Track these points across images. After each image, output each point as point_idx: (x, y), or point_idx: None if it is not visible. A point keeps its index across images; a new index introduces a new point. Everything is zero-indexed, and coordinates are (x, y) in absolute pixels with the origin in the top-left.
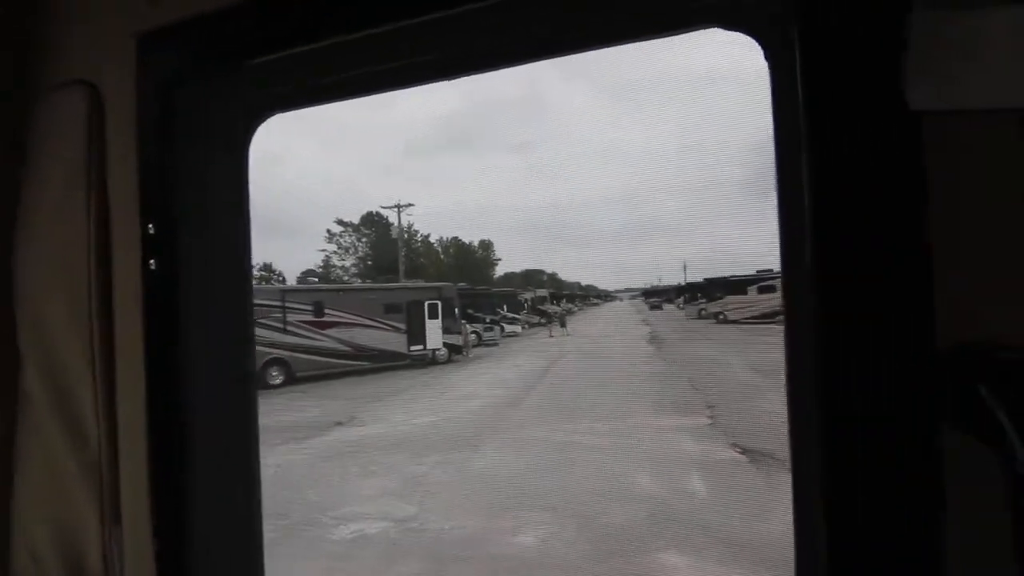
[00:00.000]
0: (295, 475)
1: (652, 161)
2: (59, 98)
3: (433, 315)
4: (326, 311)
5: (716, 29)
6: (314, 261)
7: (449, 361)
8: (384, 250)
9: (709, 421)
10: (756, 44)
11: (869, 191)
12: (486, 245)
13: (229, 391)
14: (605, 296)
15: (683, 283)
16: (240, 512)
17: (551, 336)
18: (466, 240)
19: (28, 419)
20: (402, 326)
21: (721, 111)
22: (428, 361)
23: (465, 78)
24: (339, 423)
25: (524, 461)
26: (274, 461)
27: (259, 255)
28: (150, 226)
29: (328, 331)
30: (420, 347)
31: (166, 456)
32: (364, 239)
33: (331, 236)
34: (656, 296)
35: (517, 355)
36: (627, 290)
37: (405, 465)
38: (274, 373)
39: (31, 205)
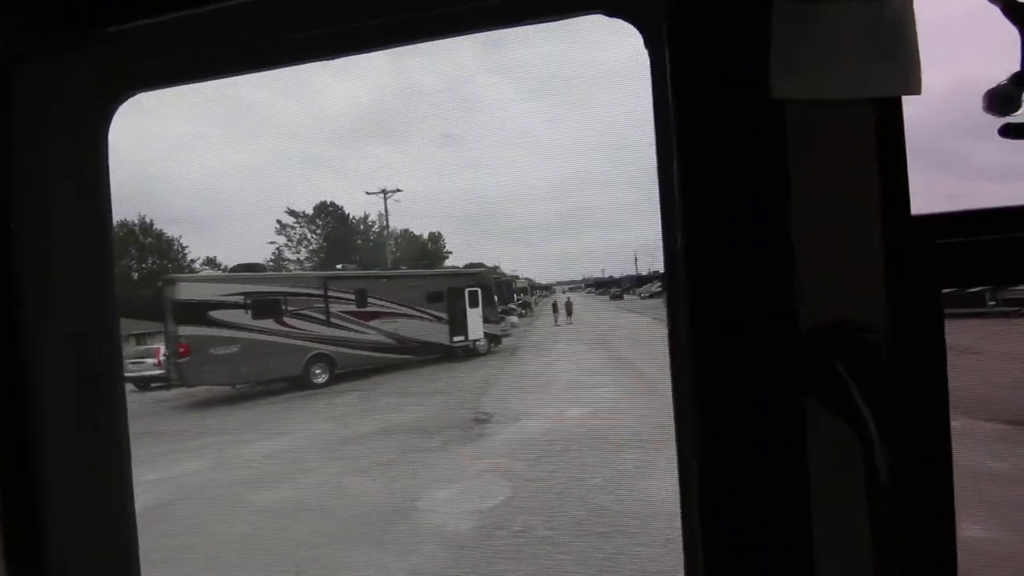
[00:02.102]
0: (561, 487)
1: (579, 155)
2: None
3: (474, 303)
4: (369, 300)
5: (600, 16)
6: (261, 254)
7: (489, 353)
8: (341, 241)
9: None
10: (637, 32)
11: (735, 179)
12: (435, 237)
13: (91, 399)
14: (548, 289)
15: (637, 273)
16: (109, 527)
17: (557, 324)
18: (416, 232)
19: None
20: (444, 315)
21: (642, 106)
22: (470, 353)
23: (365, 60)
24: (478, 420)
25: None
26: (478, 468)
27: (196, 249)
28: None
29: (372, 322)
30: (462, 338)
31: (18, 471)
32: (318, 230)
33: (282, 227)
34: (607, 286)
35: (556, 344)
36: (558, 283)
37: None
38: (317, 371)
39: None
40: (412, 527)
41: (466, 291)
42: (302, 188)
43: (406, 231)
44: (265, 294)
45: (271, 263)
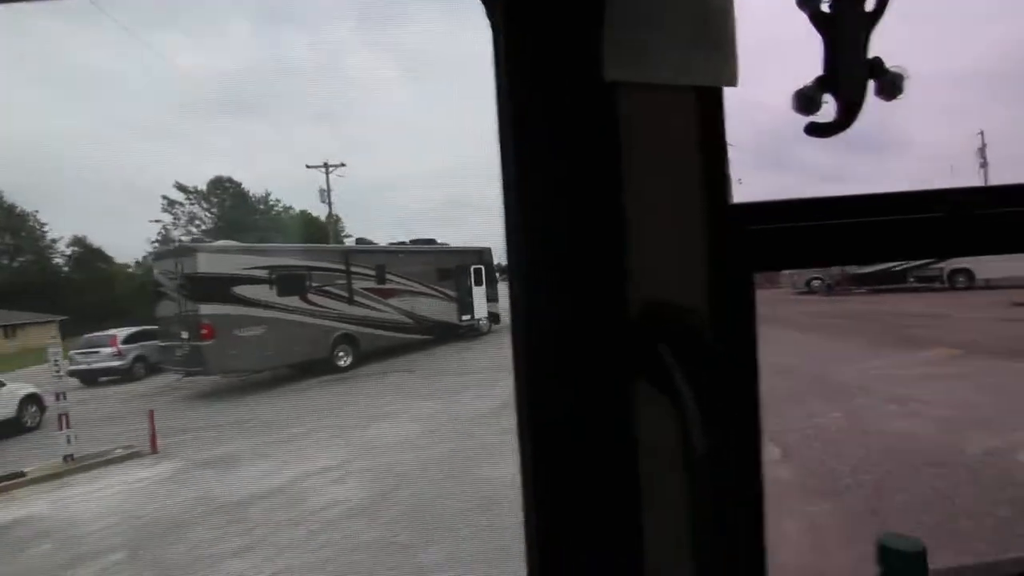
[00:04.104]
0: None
1: (461, 141)
2: None
3: (478, 281)
4: (387, 276)
5: None
6: (143, 233)
7: (491, 331)
8: (240, 221)
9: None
10: (481, 6)
11: (569, 162)
12: (335, 219)
13: None
14: None
15: None
16: None
17: None
18: (313, 213)
19: None
20: (453, 293)
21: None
22: (475, 332)
23: (226, 27)
24: None
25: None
26: None
27: (59, 227)
28: None
29: (391, 300)
30: (468, 316)
31: None
32: (213, 208)
33: (170, 204)
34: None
35: None
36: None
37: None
38: (341, 353)
39: None
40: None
41: (471, 268)
42: (160, 160)
43: (304, 212)
44: (290, 268)
45: (156, 244)
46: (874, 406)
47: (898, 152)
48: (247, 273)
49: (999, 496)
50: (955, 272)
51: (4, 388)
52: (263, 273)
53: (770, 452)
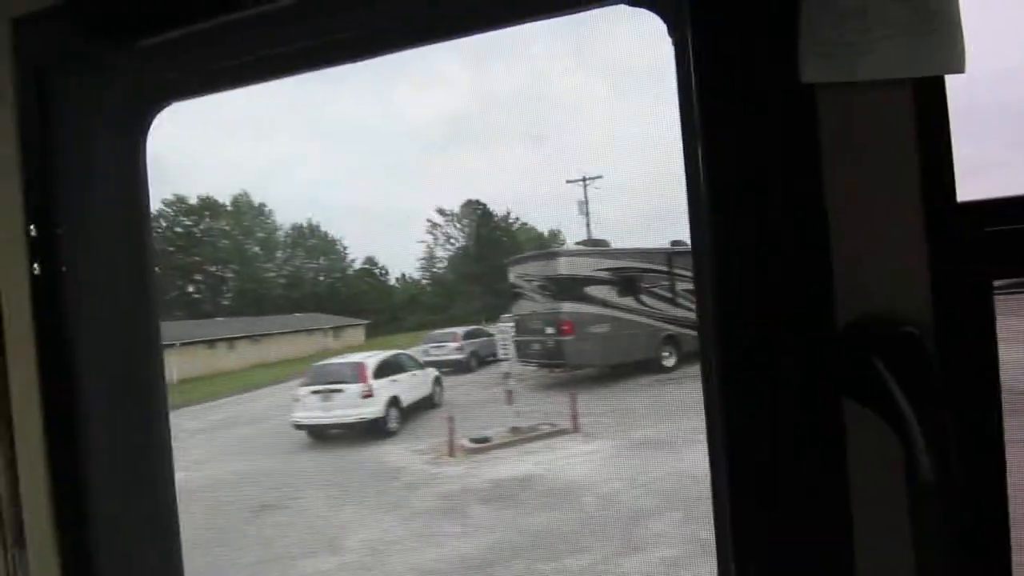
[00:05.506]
0: None
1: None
2: None
3: None
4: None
5: (622, 6)
6: (413, 252)
7: None
8: (486, 239)
9: None
10: (661, 23)
11: (765, 169)
12: (555, 234)
13: (134, 401)
14: None
15: None
16: (153, 527)
17: None
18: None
19: None
20: None
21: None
22: None
23: (442, 70)
24: None
25: None
26: None
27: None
28: (32, 227)
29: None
30: None
31: (68, 473)
32: (465, 229)
33: (433, 226)
34: None
35: None
36: None
37: None
38: (665, 353)
39: None
40: None
41: None
42: (410, 194)
43: (525, 225)
44: (627, 269)
45: (423, 261)
46: None
47: None
48: (596, 275)
49: None
50: None
51: (424, 371)
52: (606, 275)
53: None
